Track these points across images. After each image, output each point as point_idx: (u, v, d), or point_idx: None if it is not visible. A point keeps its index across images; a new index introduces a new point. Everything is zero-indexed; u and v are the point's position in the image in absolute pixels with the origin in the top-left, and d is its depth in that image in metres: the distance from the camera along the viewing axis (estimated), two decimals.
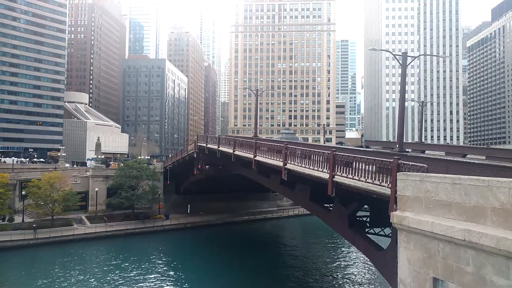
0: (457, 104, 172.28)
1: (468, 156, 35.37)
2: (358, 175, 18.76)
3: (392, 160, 16.17)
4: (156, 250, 51.99)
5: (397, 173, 13.63)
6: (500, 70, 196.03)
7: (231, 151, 38.72)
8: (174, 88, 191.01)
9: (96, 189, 63.75)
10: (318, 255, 51.14)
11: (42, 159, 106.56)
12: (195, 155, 54.51)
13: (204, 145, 49.00)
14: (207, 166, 54.22)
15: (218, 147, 43.07)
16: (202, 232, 61.62)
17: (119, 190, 61.88)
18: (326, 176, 21.50)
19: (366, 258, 31.62)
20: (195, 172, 58.45)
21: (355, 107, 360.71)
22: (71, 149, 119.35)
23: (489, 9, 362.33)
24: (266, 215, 74.64)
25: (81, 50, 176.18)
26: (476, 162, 20.75)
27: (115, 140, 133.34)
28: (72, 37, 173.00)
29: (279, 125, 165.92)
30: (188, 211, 67.60)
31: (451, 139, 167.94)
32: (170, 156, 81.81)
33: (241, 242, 56.97)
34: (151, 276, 40.03)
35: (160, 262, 46.42)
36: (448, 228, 10.21)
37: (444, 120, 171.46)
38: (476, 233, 9.34)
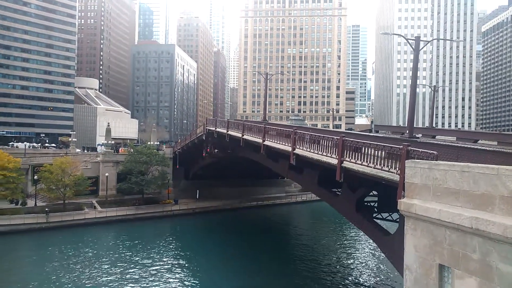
0: (470, 90, 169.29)
1: (479, 141, 34.87)
2: (367, 161, 18.70)
3: (401, 146, 16.07)
4: (165, 235, 52.77)
5: (406, 161, 13.53)
6: None
7: (240, 135, 38.74)
8: (183, 73, 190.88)
9: (107, 174, 64.54)
10: (326, 241, 51.42)
11: (53, 144, 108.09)
12: (203, 137, 54.62)
13: (213, 129, 49.09)
14: (216, 150, 54.43)
15: (227, 131, 43.11)
16: (210, 217, 62.25)
17: (129, 175, 62.57)
18: (334, 161, 21.49)
19: (374, 244, 31.72)
20: (203, 155, 58.45)
21: (365, 93, 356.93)
22: (82, 135, 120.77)
23: None
24: (275, 201, 74.98)
25: (91, 36, 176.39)
26: (488, 148, 20.42)
27: (125, 126, 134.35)
28: (82, 22, 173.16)
29: (288, 112, 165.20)
30: (197, 197, 68.23)
31: (463, 125, 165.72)
32: (179, 141, 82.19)
33: (250, 227, 57.47)
34: (160, 259, 40.75)
35: (169, 246, 47.17)
36: (456, 216, 10.16)
37: (456, 107, 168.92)
38: (483, 220, 9.28)
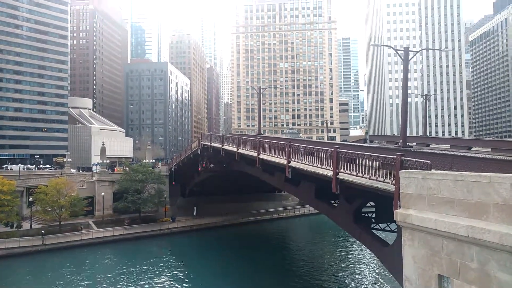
0: (461, 99, 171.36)
1: (473, 148, 35.32)
2: (362, 172, 18.82)
3: (395, 156, 16.23)
4: (164, 253, 52.25)
5: (400, 171, 13.68)
6: (504, 63, 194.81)
7: (235, 149, 38.81)
8: (177, 90, 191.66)
9: (102, 193, 64.12)
10: (325, 253, 51.14)
11: (48, 165, 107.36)
12: (199, 152, 54.51)
13: (208, 143, 49.13)
14: (212, 165, 54.36)
15: (222, 145, 43.18)
16: (208, 234, 61.80)
17: (125, 194, 62.21)
18: (330, 173, 21.57)
19: (373, 255, 31.63)
20: (199, 169, 58.24)
21: (358, 104, 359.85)
22: (77, 155, 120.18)
23: (491, 2, 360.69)
24: (272, 215, 74.67)
25: (83, 56, 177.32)
26: (480, 156, 20.70)
27: (119, 145, 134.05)
28: (74, 42, 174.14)
29: (283, 125, 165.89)
30: (195, 214, 67.82)
31: (456, 133, 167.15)
32: (174, 157, 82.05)
33: (248, 243, 57.07)
34: (159, 279, 40.26)
35: (168, 264, 46.66)
36: (452, 225, 10.26)
37: (449, 115, 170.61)
38: (479, 229, 9.38)
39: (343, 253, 51.15)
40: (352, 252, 51.09)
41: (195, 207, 68.22)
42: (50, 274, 41.80)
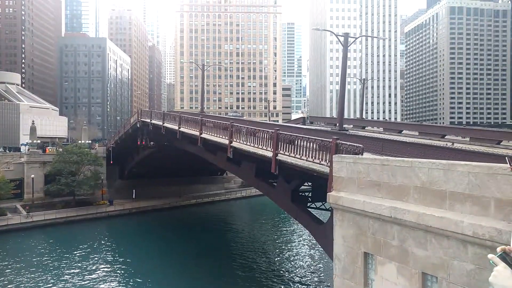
0: (395, 87, 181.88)
1: (403, 132, 37.87)
2: (300, 154, 19.48)
3: (331, 140, 16.95)
4: (99, 237, 50.51)
5: (333, 156, 14.31)
6: (434, 55, 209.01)
7: (176, 127, 38.02)
8: (116, 68, 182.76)
9: (32, 175, 60.07)
10: (265, 234, 52.53)
11: None
12: (138, 125, 52.64)
13: (148, 120, 47.59)
14: (152, 143, 52.94)
15: (163, 123, 42.11)
16: (148, 217, 60.66)
17: (58, 176, 58.80)
18: (270, 154, 22.10)
19: (310, 234, 33.06)
20: (138, 144, 56.09)
21: (301, 89, 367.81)
22: (2, 134, 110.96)
23: None
24: (214, 198, 74.90)
25: (10, 26, 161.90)
26: (408, 141, 22.38)
27: (52, 124, 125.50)
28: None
29: (227, 108, 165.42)
30: (134, 196, 66.00)
31: (389, 118, 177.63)
32: (113, 136, 78.57)
33: (188, 226, 56.89)
34: (94, 264, 38.94)
35: (104, 249, 45.24)
36: (377, 206, 10.99)
37: (384, 103, 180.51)
38: (400, 210, 10.15)
39: (282, 233, 52.88)
40: (291, 232, 52.98)
41: (134, 190, 66.35)
42: None
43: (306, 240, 47.78)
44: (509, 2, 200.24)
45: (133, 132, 56.81)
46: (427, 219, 9.29)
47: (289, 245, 47.44)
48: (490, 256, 2.52)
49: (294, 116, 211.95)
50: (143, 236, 50.06)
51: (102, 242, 48.29)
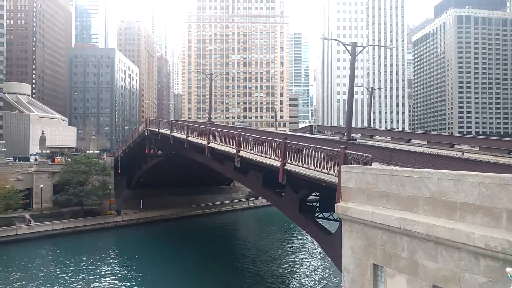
0: (403, 97, 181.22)
1: (412, 141, 37.60)
2: (307, 163, 19.39)
3: (339, 149, 16.86)
4: (107, 247, 50.53)
5: (342, 166, 14.21)
6: (441, 64, 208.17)
7: (184, 136, 38.13)
8: (125, 79, 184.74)
9: (41, 185, 60.57)
10: (273, 245, 52.13)
11: None
12: (146, 133, 52.93)
13: (156, 129, 47.84)
14: (160, 152, 53.13)
15: (171, 132, 42.26)
16: (155, 227, 60.63)
17: (66, 186, 59.20)
18: (277, 164, 22.01)
19: (317, 245, 32.74)
20: (146, 152, 56.36)
21: (308, 99, 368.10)
22: (13, 144, 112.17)
23: (431, 6, 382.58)
24: (221, 208, 74.68)
25: (22, 38, 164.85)
26: (417, 151, 22.14)
27: (61, 134, 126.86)
28: (11, 22, 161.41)
29: (234, 118, 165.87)
30: (141, 206, 66.10)
31: (397, 128, 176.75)
32: (121, 145, 78.89)
33: (195, 237, 56.73)
34: (101, 275, 38.92)
35: (111, 259, 45.23)
36: (386, 217, 10.85)
37: (391, 112, 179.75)
38: (410, 221, 10.00)
39: (289, 244, 52.44)
40: (298, 242, 52.53)
41: (141, 200, 66.47)
42: None
43: (314, 251, 47.32)
44: None
45: (141, 140, 57.12)
46: (438, 231, 9.14)
47: (296, 255, 46.99)
48: (508, 269, 2.47)
49: (301, 126, 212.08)
50: (150, 246, 49.99)
51: (109, 252, 48.30)
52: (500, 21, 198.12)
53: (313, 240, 25.16)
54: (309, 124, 64.86)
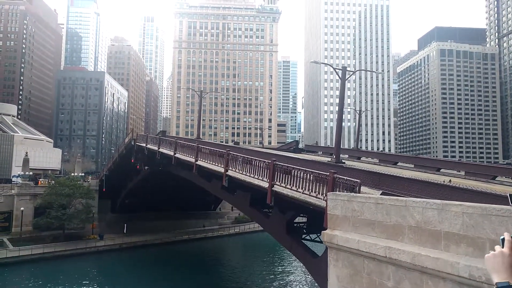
0: (389, 125, 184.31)
1: (398, 164, 37.80)
2: (296, 186, 19.38)
3: (328, 173, 16.93)
4: (88, 274, 48.94)
5: (328, 193, 14.27)
6: (426, 94, 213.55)
7: (172, 153, 37.80)
8: (113, 102, 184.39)
9: (22, 208, 58.98)
10: (259, 271, 51.16)
11: None
12: (132, 143, 52.27)
13: (144, 145, 47.38)
14: (146, 167, 52.44)
15: (159, 148, 41.86)
16: (139, 253, 59.14)
17: (48, 209, 57.73)
18: (266, 185, 21.90)
19: (304, 269, 32.33)
20: (132, 161, 55.37)
21: (295, 125, 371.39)
22: None
23: (415, 39, 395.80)
24: (207, 234, 73.41)
25: (10, 59, 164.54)
26: (405, 177, 22.29)
27: (46, 155, 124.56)
28: (0, 44, 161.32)
29: (222, 142, 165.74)
30: (125, 231, 64.66)
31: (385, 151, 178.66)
32: (107, 163, 77.49)
33: (180, 263, 55.44)
34: None
35: (91, 286, 43.71)
36: (372, 246, 10.84)
37: (378, 140, 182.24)
38: (395, 249, 10.02)
39: (276, 270, 51.55)
40: (285, 268, 51.69)
41: (125, 224, 65.13)
42: None
43: (300, 278, 46.56)
44: (497, 46, 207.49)
45: (127, 152, 56.38)
46: (423, 260, 9.16)
47: (283, 282, 46.15)
48: None
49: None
50: (133, 273, 48.56)
51: (88, 278, 46.75)
52: (480, 55, 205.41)
53: (300, 265, 24.84)
54: (294, 140, 65.31)
